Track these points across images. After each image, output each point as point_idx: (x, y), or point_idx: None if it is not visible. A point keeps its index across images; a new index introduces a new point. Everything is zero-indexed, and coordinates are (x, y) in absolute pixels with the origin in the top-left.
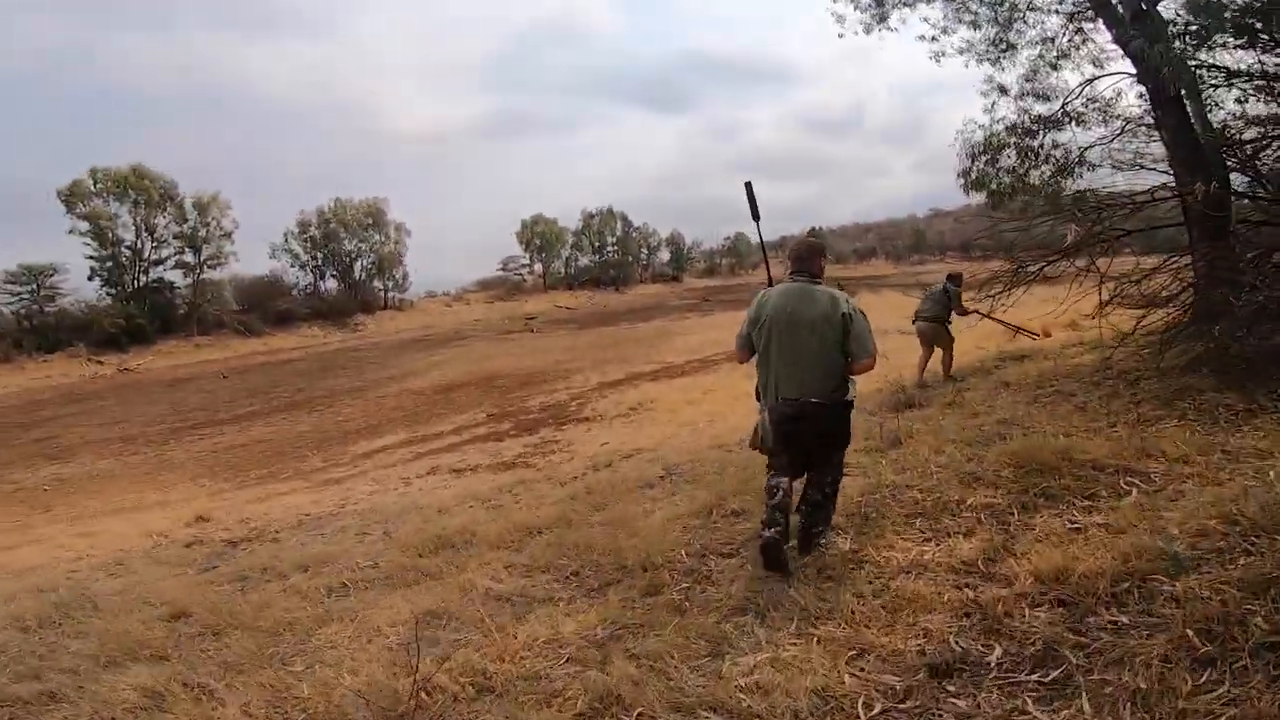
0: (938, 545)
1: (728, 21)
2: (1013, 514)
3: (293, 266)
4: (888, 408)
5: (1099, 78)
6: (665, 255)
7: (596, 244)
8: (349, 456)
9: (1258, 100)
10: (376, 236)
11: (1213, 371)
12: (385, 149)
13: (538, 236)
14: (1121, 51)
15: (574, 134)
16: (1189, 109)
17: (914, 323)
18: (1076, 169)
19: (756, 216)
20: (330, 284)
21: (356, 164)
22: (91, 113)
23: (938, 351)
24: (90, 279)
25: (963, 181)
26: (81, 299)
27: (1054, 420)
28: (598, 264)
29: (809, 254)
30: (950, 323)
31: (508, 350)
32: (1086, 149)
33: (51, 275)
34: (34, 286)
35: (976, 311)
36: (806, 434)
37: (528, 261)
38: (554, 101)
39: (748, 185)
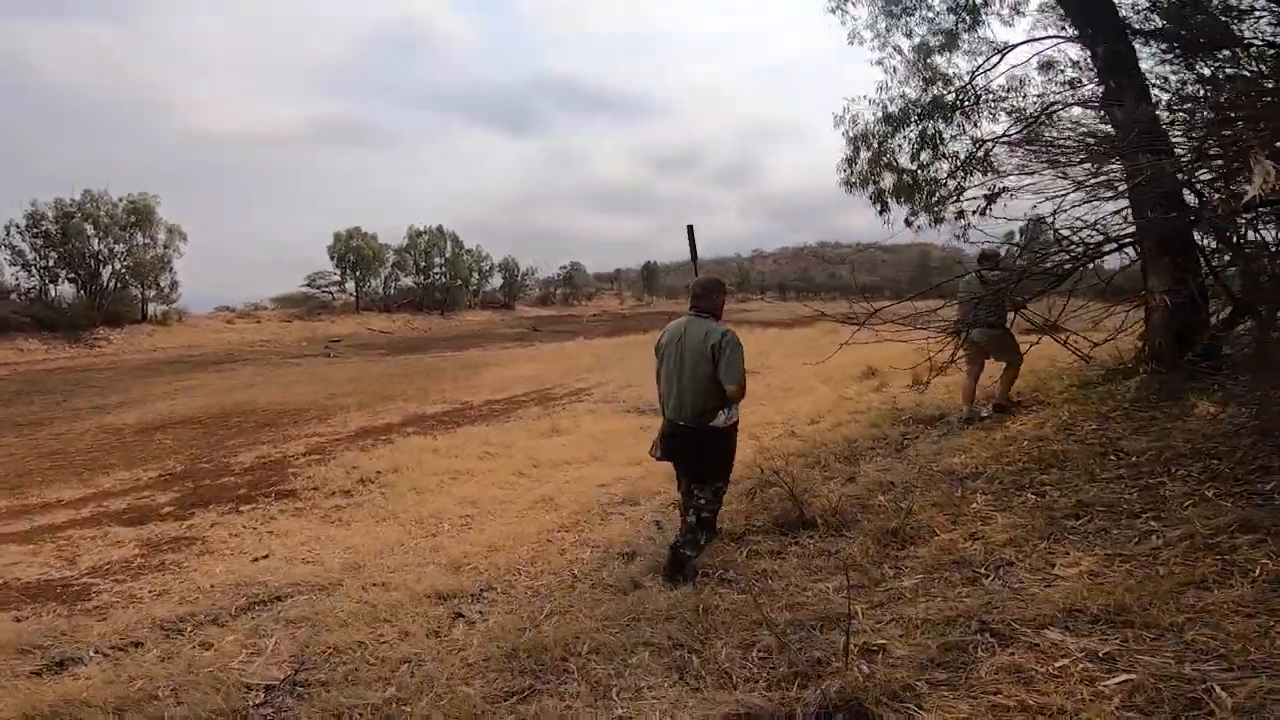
0: None
1: (586, 49)
2: None
3: (12, 266)
4: (769, 524)
5: (1027, 41)
6: (498, 281)
7: (422, 264)
8: None
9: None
10: (140, 239)
11: None
12: (184, 149)
13: (353, 252)
14: (1059, 10)
15: (412, 149)
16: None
17: (963, 335)
18: (978, 166)
19: (695, 257)
20: (66, 289)
21: (144, 162)
22: None
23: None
24: None
25: (844, 174)
26: None
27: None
28: (422, 286)
29: (703, 291)
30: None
31: (282, 378)
32: (999, 139)
33: None
34: None
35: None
36: (679, 452)
37: (339, 279)
38: (393, 113)
39: (689, 229)
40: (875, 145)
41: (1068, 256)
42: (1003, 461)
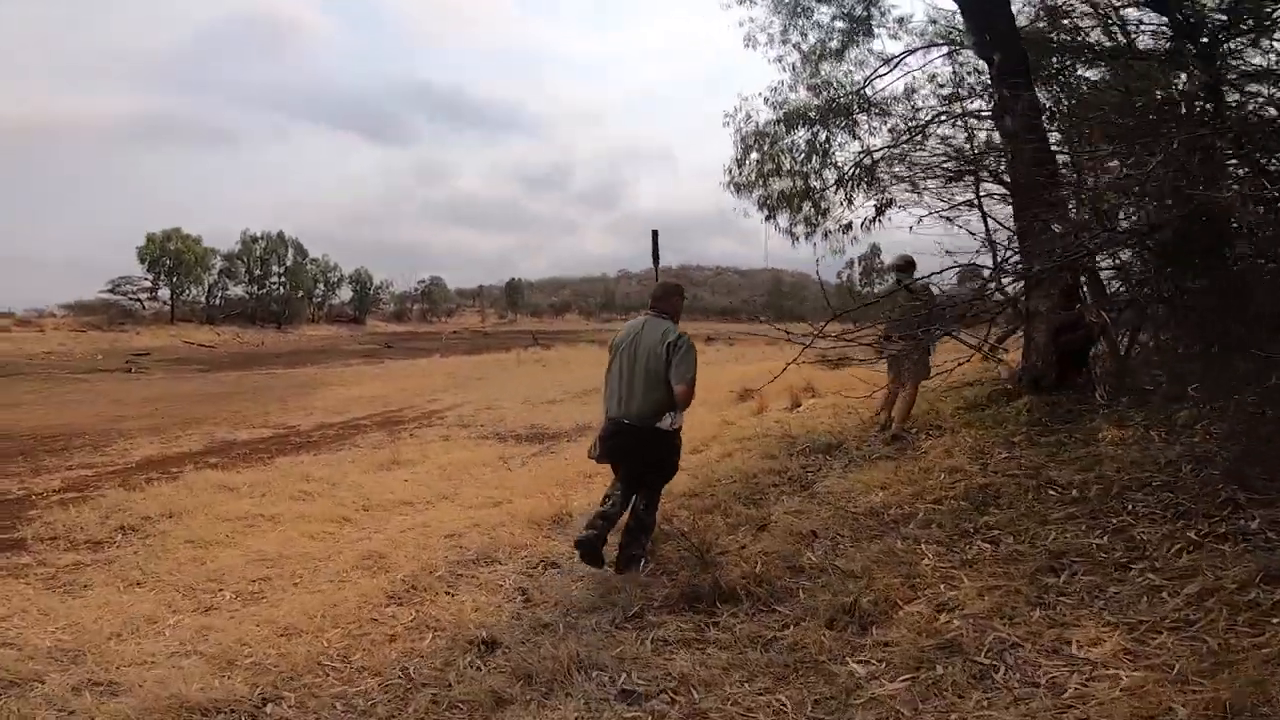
0: None
1: (463, 61)
2: None
3: None
4: (675, 596)
5: (911, 52)
6: (348, 294)
7: (258, 273)
8: None
9: None
10: None
11: None
12: None
13: (170, 256)
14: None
15: (257, 151)
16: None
17: (885, 343)
18: (864, 178)
19: (656, 262)
20: None
21: None
22: None
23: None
24: None
25: (732, 176)
26: None
27: None
28: (256, 296)
29: (664, 294)
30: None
31: (61, 396)
32: (880, 150)
33: None
34: None
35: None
36: (621, 452)
37: (151, 285)
38: (238, 112)
39: (654, 234)
40: (768, 146)
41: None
42: (929, 499)
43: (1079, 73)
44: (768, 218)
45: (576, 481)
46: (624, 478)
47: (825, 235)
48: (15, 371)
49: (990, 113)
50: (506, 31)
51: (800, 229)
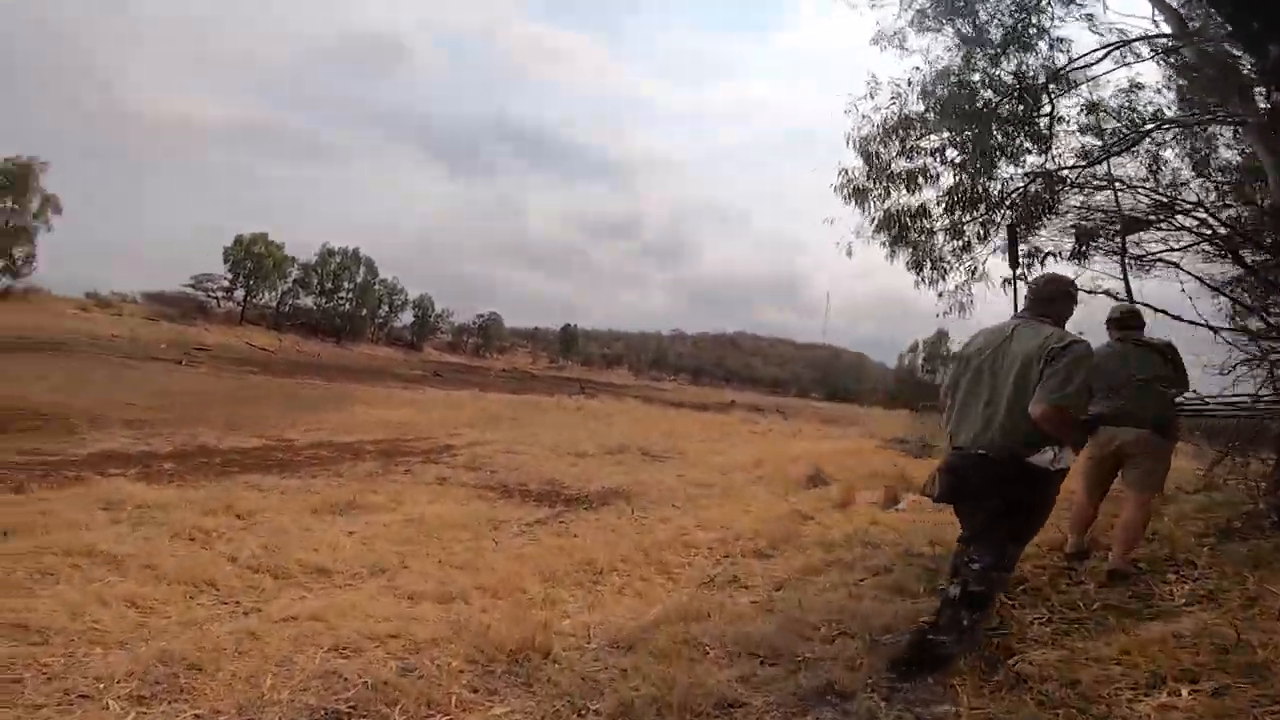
0: None
1: (553, 97)
2: None
3: None
4: None
5: (1143, 39)
6: (409, 318)
7: (329, 286)
8: None
9: None
10: (9, 203)
11: None
12: (102, 123)
13: (253, 258)
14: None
15: (343, 169)
16: None
17: (1099, 427)
18: (1057, 194)
19: (1015, 265)
20: None
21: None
22: None
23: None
24: None
25: (845, 179)
26: None
27: None
28: (322, 309)
29: (1052, 294)
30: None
31: (91, 376)
32: (1069, 169)
33: None
34: None
35: None
36: (965, 491)
37: (229, 285)
38: (332, 127)
39: (1010, 228)
40: (913, 138)
41: None
42: None
43: None
44: (894, 238)
45: (580, 579)
46: (970, 531)
47: (980, 276)
48: (72, 348)
49: (1249, 122)
50: (606, 77)
51: (928, 270)
